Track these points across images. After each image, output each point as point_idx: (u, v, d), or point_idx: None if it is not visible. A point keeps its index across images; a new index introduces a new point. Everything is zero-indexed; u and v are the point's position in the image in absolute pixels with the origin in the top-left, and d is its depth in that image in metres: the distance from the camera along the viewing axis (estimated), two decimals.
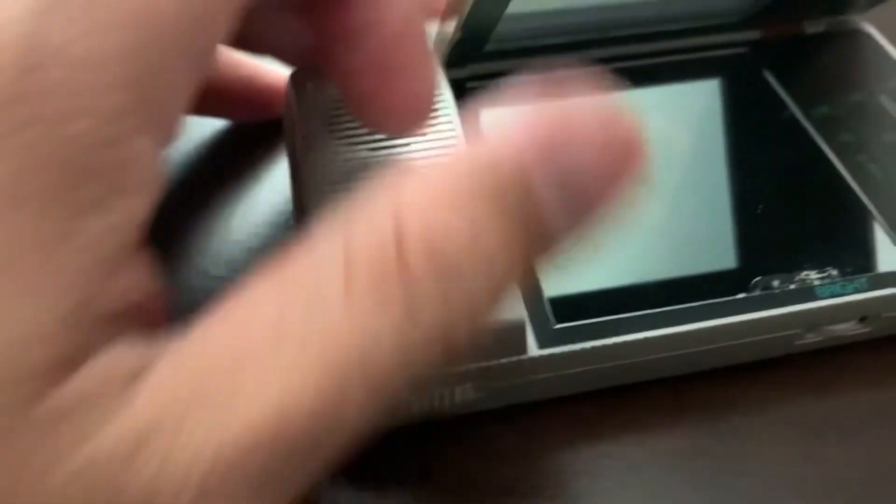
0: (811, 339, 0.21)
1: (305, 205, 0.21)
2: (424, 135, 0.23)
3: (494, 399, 0.20)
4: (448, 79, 0.25)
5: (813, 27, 0.29)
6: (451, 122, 0.23)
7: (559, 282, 0.21)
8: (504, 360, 0.19)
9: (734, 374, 0.22)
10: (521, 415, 0.21)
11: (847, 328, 0.21)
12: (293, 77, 0.24)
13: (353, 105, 0.21)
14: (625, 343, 0.20)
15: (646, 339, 0.20)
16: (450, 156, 0.14)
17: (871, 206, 0.23)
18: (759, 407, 0.21)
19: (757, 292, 0.21)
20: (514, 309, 0.19)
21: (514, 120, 0.14)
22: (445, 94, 0.24)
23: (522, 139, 0.14)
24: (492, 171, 0.14)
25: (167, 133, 0.15)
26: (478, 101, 0.19)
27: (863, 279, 0.21)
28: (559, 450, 0.20)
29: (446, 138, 0.23)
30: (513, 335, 0.19)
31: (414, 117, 0.21)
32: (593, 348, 0.20)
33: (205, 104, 0.17)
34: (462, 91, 0.26)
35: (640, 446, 0.20)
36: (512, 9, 0.23)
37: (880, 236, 0.22)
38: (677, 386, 0.21)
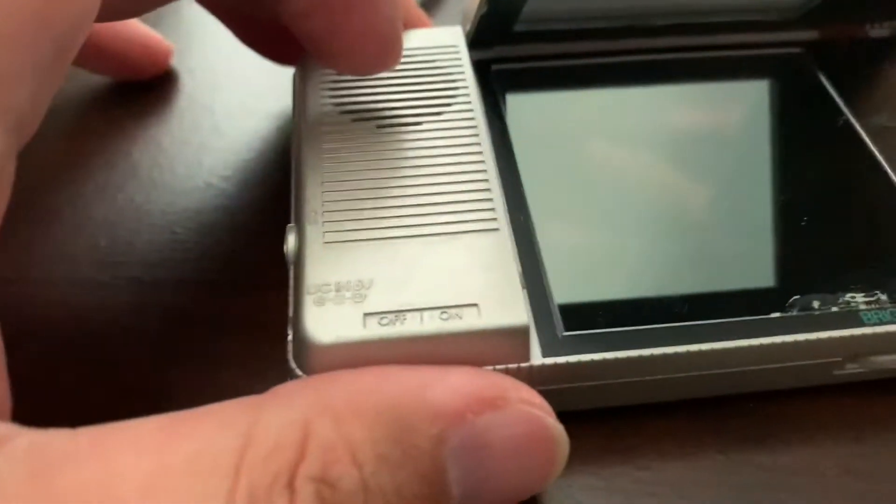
0: (852, 369, 0.19)
1: (304, 192, 0.19)
2: (439, 115, 0.21)
3: None
4: (472, 60, 0.23)
5: (877, 31, 0.26)
6: (468, 102, 0.22)
7: (572, 287, 0.19)
8: (503, 367, 0.17)
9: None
10: None
11: (893, 360, 0.19)
12: (301, 63, 0.23)
13: (311, 48, 0.21)
14: (640, 358, 0.18)
15: (663, 356, 0.18)
16: (392, 382, 0.15)
17: None
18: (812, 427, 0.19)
19: (794, 312, 0.19)
20: (519, 311, 0.17)
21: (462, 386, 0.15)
22: (466, 74, 0.22)
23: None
24: (412, 433, 0.14)
25: (24, 122, 0.14)
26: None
27: None
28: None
29: (463, 119, 0.21)
30: (515, 340, 0.17)
31: (375, 53, 0.20)
32: (604, 361, 0.18)
33: (82, 58, 0.16)
34: (486, 73, 0.24)
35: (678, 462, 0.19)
36: None
37: None
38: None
